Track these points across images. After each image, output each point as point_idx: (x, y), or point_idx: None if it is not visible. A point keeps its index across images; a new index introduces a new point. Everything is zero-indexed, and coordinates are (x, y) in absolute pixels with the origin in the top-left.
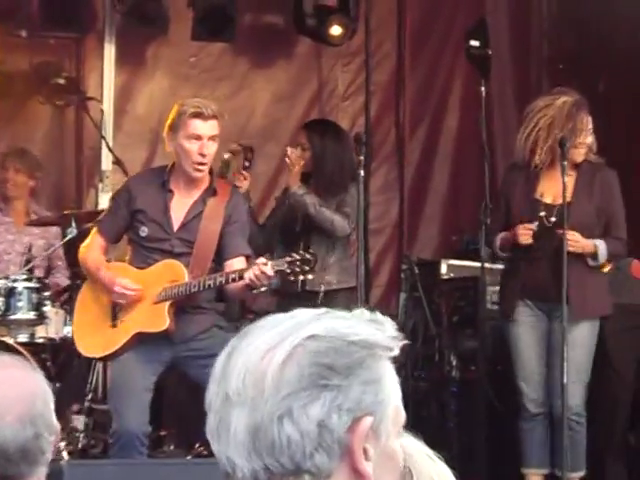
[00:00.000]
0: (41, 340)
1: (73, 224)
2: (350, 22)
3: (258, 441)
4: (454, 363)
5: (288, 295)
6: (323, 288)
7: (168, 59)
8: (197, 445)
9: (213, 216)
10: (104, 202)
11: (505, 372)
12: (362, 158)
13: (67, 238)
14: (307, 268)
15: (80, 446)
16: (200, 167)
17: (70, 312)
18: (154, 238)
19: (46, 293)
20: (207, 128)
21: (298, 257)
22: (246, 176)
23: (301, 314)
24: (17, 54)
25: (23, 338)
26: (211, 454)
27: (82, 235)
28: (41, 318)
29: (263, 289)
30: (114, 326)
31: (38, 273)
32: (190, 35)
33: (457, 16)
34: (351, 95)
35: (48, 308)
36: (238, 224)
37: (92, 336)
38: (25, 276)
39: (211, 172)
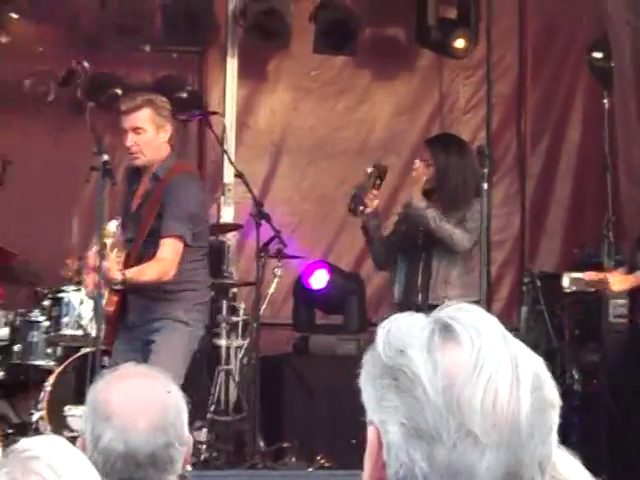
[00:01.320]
0: None
1: None
2: (473, 35)
3: None
4: (576, 377)
5: (410, 308)
6: (446, 303)
7: (290, 72)
8: (319, 457)
9: (153, 200)
10: (227, 215)
11: (628, 386)
12: (485, 171)
13: None
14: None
15: (202, 458)
16: (132, 156)
17: None
18: (123, 225)
19: None
20: (126, 122)
21: None
22: (376, 195)
23: (493, 330)
24: (141, 68)
25: None
26: (332, 466)
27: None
28: None
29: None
30: None
31: None
32: (312, 48)
33: (578, 29)
34: (472, 108)
35: None
36: (170, 205)
37: None
38: None
39: (172, 148)
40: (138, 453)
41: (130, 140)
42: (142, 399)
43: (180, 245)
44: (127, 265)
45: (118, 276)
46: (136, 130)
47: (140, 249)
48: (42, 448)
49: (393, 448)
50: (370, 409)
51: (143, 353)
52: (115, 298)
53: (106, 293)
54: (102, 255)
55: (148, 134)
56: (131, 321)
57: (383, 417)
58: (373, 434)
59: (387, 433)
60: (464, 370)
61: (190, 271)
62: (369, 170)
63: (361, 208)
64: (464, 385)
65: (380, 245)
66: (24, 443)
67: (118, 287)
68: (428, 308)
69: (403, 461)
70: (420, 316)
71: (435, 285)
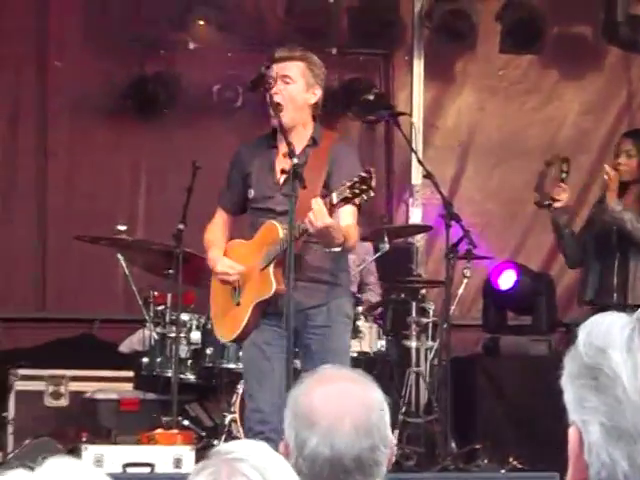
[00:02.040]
0: (355, 354)
1: (385, 239)
2: None
3: None
4: None
5: (604, 308)
6: None
7: (476, 73)
8: (511, 458)
9: (314, 166)
10: (415, 217)
11: None
12: None
13: (379, 253)
14: (365, 187)
15: (394, 459)
16: (278, 110)
17: (383, 327)
18: (260, 198)
19: (359, 308)
20: (276, 69)
21: (356, 179)
22: (565, 188)
23: None
24: (327, 71)
25: None
26: (525, 467)
27: (393, 250)
28: (355, 333)
29: (336, 249)
30: (238, 304)
31: (352, 288)
32: (498, 48)
33: None
34: None
35: (361, 323)
36: (342, 170)
37: (223, 321)
38: None
39: (314, 119)
40: (344, 457)
41: (276, 88)
42: (345, 402)
43: (357, 212)
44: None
45: (327, 219)
46: (284, 78)
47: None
48: (247, 451)
49: (594, 448)
50: (571, 409)
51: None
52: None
53: (271, 269)
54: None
55: (296, 86)
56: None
57: (584, 417)
58: (575, 434)
59: (588, 433)
60: None
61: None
62: (548, 158)
63: (550, 202)
64: None
65: (572, 241)
66: (227, 446)
67: (336, 249)
68: (627, 309)
69: (604, 461)
70: (621, 315)
71: (634, 286)
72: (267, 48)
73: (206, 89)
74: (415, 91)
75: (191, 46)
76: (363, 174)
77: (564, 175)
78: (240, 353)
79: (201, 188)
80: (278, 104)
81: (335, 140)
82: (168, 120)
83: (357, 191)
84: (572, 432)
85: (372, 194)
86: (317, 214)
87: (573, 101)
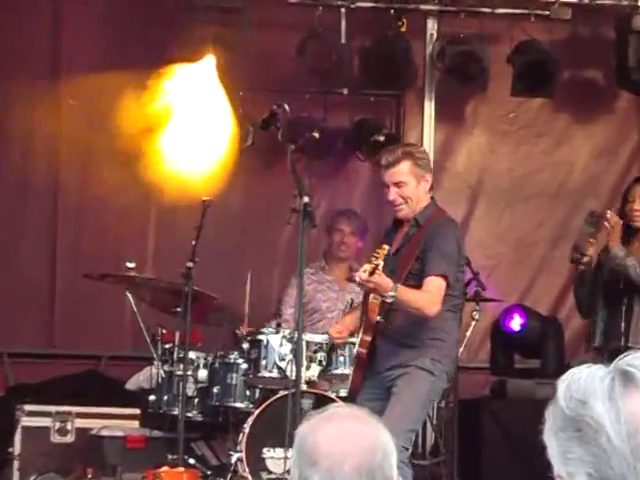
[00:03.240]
0: None
1: None
2: None
3: None
4: None
5: (611, 353)
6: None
7: (487, 115)
8: None
9: (412, 246)
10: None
11: None
12: None
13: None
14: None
15: None
16: (396, 209)
17: None
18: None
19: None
20: (387, 176)
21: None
22: (593, 243)
23: None
24: (338, 112)
25: (344, 392)
26: None
27: None
28: None
29: (390, 294)
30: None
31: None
32: (509, 91)
33: None
34: None
35: None
36: (434, 247)
37: None
38: None
39: (428, 207)
40: None
41: (392, 194)
42: (349, 441)
43: (444, 284)
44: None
45: (391, 283)
46: (398, 184)
47: None
48: None
49: None
50: (556, 463)
51: (385, 401)
52: (368, 339)
53: (360, 334)
54: (374, 271)
55: (410, 187)
56: (378, 366)
57: (570, 469)
58: None
59: None
60: None
61: (443, 320)
62: (586, 217)
63: (579, 257)
64: None
65: (588, 292)
66: None
67: (388, 299)
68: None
69: None
70: (598, 367)
71: (637, 329)
72: (278, 88)
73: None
74: (426, 132)
75: None
76: (377, 251)
77: (592, 230)
78: (247, 392)
79: (210, 226)
80: (398, 207)
81: (437, 218)
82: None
83: (373, 264)
84: None
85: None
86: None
87: (584, 145)
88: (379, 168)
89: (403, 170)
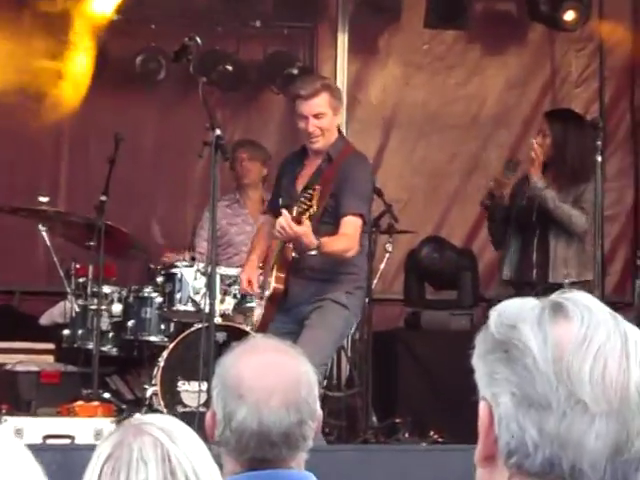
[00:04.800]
0: None
1: None
2: (584, 7)
3: (620, 456)
4: None
5: (522, 286)
6: (567, 281)
7: (400, 47)
8: (431, 432)
9: (325, 179)
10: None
11: None
12: (599, 144)
13: None
14: (309, 204)
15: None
16: (312, 140)
17: None
18: (285, 206)
19: None
20: (307, 107)
21: (305, 196)
22: (508, 183)
23: (603, 310)
24: (251, 44)
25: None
26: (445, 441)
27: None
28: None
29: (312, 252)
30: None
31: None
32: (423, 23)
33: None
34: (585, 81)
35: None
36: (348, 185)
37: None
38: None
39: (337, 141)
40: (271, 431)
41: (312, 125)
42: (275, 375)
43: (360, 223)
44: None
45: (314, 240)
46: (317, 115)
47: (315, 226)
48: (155, 418)
49: (504, 419)
50: (482, 385)
51: (296, 335)
52: (283, 276)
53: (274, 270)
54: (299, 219)
55: (327, 118)
56: (290, 302)
57: (494, 390)
58: (485, 410)
59: (498, 405)
60: (574, 341)
61: (355, 254)
62: (505, 164)
63: (488, 202)
64: (573, 355)
65: (501, 224)
66: (140, 416)
67: (313, 252)
68: (547, 287)
69: (514, 431)
70: (530, 299)
71: (555, 264)
72: (191, 21)
73: (129, 61)
74: (339, 65)
75: (114, 17)
76: (309, 192)
77: (511, 175)
78: (161, 326)
79: (123, 160)
80: (315, 139)
81: (350, 153)
82: (91, 90)
83: (305, 207)
84: (482, 407)
85: (312, 211)
86: (279, 225)
87: (497, 76)
88: (297, 98)
89: (322, 101)
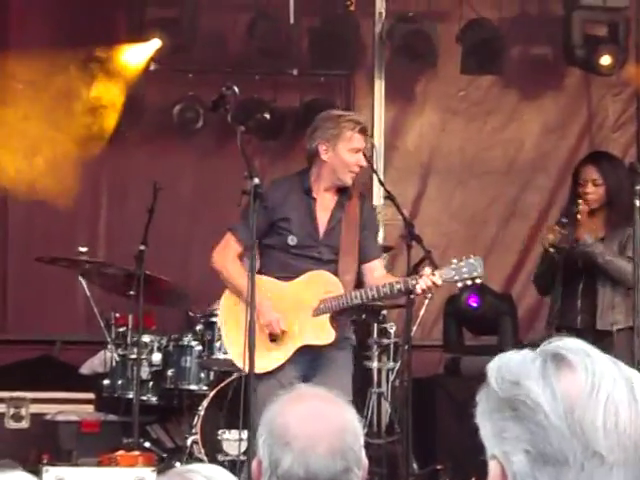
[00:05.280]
0: None
1: None
2: (620, 52)
3: None
4: None
5: (568, 331)
6: (615, 328)
7: (437, 93)
8: (473, 479)
9: (351, 220)
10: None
11: None
12: (638, 188)
13: None
14: (475, 274)
15: None
16: (354, 174)
17: None
18: (303, 246)
19: None
20: (363, 141)
21: (462, 263)
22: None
23: (601, 355)
24: (288, 93)
25: None
26: None
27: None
28: None
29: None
30: (273, 340)
31: None
32: (459, 69)
33: None
34: (622, 125)
35: None
36: (374, 227)
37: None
38: None
39: None
40: (318, 478)
41: (363, 160)
42: (321, 423)
43: None
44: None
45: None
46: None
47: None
48: (200, 467)
49: (519, 477)
50: (490, 444)
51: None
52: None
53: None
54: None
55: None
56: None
57: (505, 448)
58: (496, 468)
59: (512, 464)
60: (582, 393)
61: None
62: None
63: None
64: (584, 407)
65: (548, 271)
66: (183, 466)
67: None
68: (595, 333)
69: None
70: (527, 351)
71: (603, 311)
72: (228, 70)
73: (166, 110)
74: (376, 112)
75: (152, 67)
76: (472, 260)
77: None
78: (201, 375)
79: (161, 209)
80: (355, 174)
81: (360, 196)
82: (129, 140)
83: (465, 276)
84: (493, 466)
85: (478, 281)
86: (430, 287)
87: (534, 121)
88: (356, 129)
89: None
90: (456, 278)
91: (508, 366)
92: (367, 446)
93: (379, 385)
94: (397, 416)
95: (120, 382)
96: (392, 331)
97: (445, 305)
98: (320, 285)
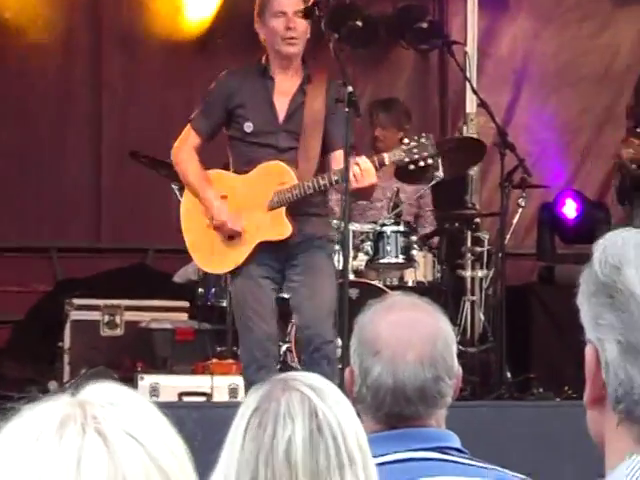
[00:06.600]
0: (410, 284)
1: (440, 167)
2: None
3: None
4: None
5: None
6: None
7: (531, 0)
8: (566, 387)
9: (314, 105)
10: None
11: None
12: None
13: (434, 182)
14: (426, 153)
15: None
16: (292, 41)
17: (437, 256)
18: (260, 132)
19: (414, 237)
20: (293, 4)
21: (413, 143)
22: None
23: None
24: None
25: (392, 281)
26: (580, 396)
27: (453, 180)
28: (410, 262)
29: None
30: (231, 238)
31: (407, 218)
32: None
33: None
34: None
35: (416, 252)
36: (341, 113)
37: (211, 252)
38: (393, 220)
39: (304, 60)
40: (406, 387)
41: (293, 21)
42: (411, 331)
43: None
44: None
45: (374, 179)
46: (297, 14)
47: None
48: (302, 374)
49: (611, 366)
50: (588, 328)
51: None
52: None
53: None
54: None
55: (305, 22)
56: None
57: (600, 335)
58: (591, 353)
59: (605, 351)
60: None
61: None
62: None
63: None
64: None
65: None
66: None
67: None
68: None
69: (621, 379)
70: (637, 231)
71: None
72: None
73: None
74: (469, 18)
75: None
76: (423, 139)
77: None
78: None
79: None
80: (293, 41)
81: (328, 80)
82: (221, 52)
83: (416, 157)
84: (589, 351)
85: (430, 161)
86: (366, 173)
87: (629, 29)
88: None
89: (303, 3)
90: (407, 160)
91: (612, 248)
92: (460, 355)
93: (472, 293)
94: (490, 324)
95: (214, 290)
96: (485, 239)
97: (539, 213)
98: (274, 176)
